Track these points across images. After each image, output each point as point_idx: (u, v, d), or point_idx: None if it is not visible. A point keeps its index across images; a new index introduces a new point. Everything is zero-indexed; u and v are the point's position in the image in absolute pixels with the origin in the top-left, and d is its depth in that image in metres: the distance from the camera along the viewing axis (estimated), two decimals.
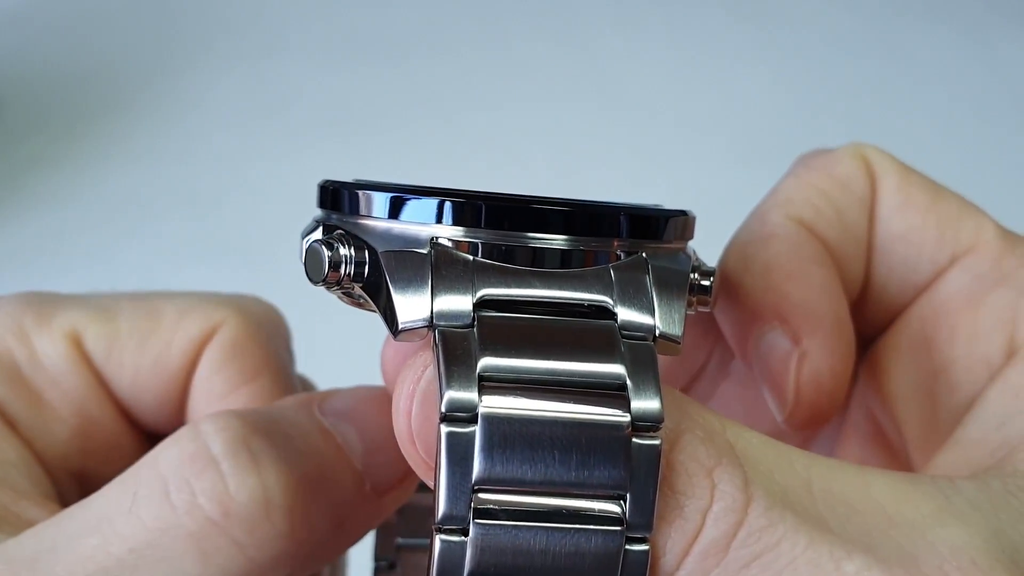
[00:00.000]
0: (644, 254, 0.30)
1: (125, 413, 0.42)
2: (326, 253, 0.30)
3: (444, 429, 0.28)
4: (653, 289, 0.30)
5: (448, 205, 0.30)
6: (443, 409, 0.28)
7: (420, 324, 0.29)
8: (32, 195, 0.97)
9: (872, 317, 0.41)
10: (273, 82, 1.06)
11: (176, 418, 0.41)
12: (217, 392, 0.40)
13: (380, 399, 0.33)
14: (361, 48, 1.11)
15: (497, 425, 0.28)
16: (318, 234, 0.31)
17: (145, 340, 0.40)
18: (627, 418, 0.28)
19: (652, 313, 0.29)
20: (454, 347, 0.28)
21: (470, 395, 0.28)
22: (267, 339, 0.42)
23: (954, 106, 1.12)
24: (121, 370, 0.40)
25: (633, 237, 0.30)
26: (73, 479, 0.40)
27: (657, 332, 0.29)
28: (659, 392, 0.29)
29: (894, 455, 0.40)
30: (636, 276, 0.30)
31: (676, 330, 0.29)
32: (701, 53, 1.15)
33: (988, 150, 1.07)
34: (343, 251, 0.30)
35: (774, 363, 0.38)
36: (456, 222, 0.30)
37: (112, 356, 0.40)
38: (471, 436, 0.28)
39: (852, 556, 0.29)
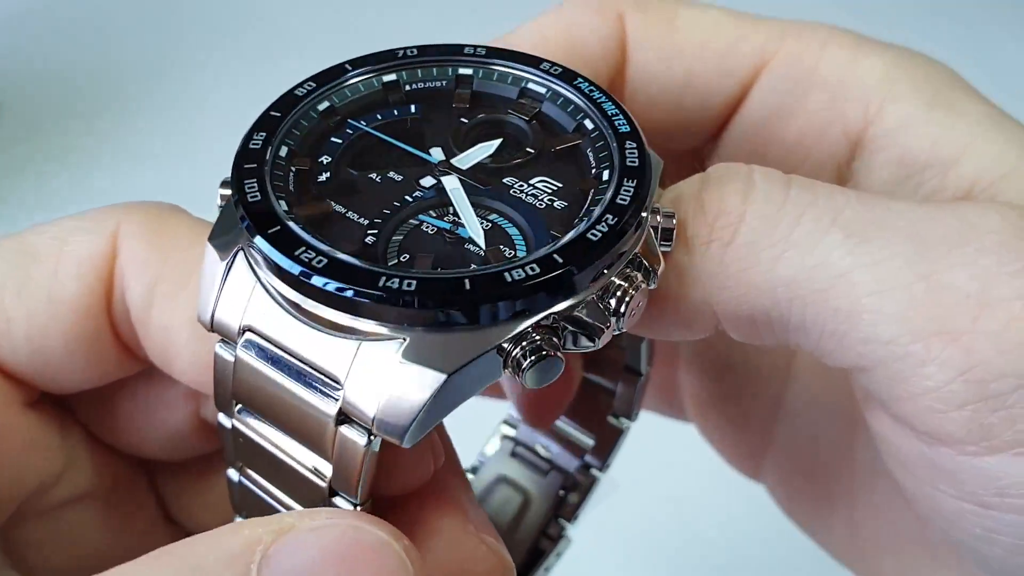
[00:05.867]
0: (406, 338, 0.29)
1: (25, 379, 0.35)
2: (220, 188, 0.33)
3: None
4: (384, 384, 0.29)
5: (254, 241, 0.31)
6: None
7: (207, 324, 0.32)
8: (32, 195, 0.97)
9: (690, 129, 0.41)
10: (273, 82, 1.06)
11: (114, 346, 0.36)
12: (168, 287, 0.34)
13: (346, 553, 0.27)
14: (361, 49, 1.11)
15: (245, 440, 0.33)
16: (226, 179, 0.34)
17: (25, 282, 0.34)
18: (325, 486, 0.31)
19: (376, 405, 0.29)
20: (219, 379, 0.32)
21: (227, 421, 0.33)
22: (177, 213, 0.36)
23: None
24: (8, 328, 0.34)
25: (397, 323, 0.29)
26: None
27: (374, 429, 0.29)
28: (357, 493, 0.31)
29: None
30: (375, 365, 0.29)
31: (398, 433, 0.29)
32: None
33: None
34: (222, 192, 0.33)
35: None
36: (256, 259, 0.31)
37: None
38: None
39: (897, 198, 0.32)
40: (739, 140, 0.40)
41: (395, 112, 0.36)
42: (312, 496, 0.32)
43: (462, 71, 0.37)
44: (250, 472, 0.34)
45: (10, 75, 1.06)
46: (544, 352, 0.29)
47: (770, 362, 0.47)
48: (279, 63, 1.08)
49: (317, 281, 0.29)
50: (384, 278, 0.28)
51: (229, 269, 0.31)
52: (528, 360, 0.28)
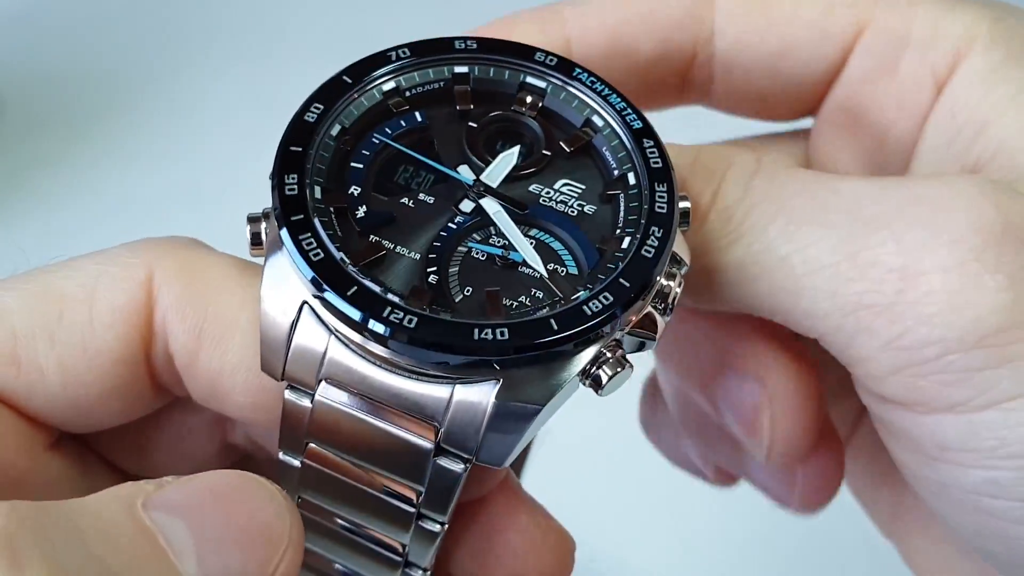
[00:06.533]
0: (499, 378, 0.31)
1: (49, 423, 0.34)
2: (249, 225, 0.33)
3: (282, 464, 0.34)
4: (485, 422, 0.31)
5: (326, 295, 0.30)
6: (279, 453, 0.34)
7: (275, 377, 0.32)
8: (33, 195, 0.97)
9: (790, 107, 0.42)
10: (273, 82, 1.06)
11: (150, 389, 0.35)
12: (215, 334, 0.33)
13: (225, 492, 0.28)
14: (361, 48, 1.11)
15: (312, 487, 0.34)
16: (259, 212, 0.34)
17: (57, 330, 0.33)
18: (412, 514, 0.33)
19: (477, 440, 0.31)
20: (290, 422, 0.33)
21: (295, 460, 0.33)
22: (205, 253, 0.35)
23: None
24: (41, 377, 0.33)
25: (480, 369, 0.30)
26: None
27: (474, 460, 0.32)
28: (446, 513, 0.33)
29: None
30: (474, 406, 0.31)
31: (498, 460, 0.31)
32: None
33: None
34: (261, 226, 0.33)
35: (745, 412, 0.43)
36: (327, 311, 0.31)
37: (22, 368, 0.32)
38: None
39: (853, 177, 0.35)
40: (839, 106, 0.41)
41: (402, 123, 0.36)
42: (397, 518, 0.33)
43: (458, 69, 0.37)
44: (315, 502, 0.35)
45: (12, 75, 1.06)
46: (619, 367, 0.31)
47: None
48: (280, 62, 1.08)
49: (417, 344, 0.30)
50: (477, 330, 0.30)
51: (295, 324, 0.31)
52: (607, 376, 0.31)
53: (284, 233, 0.32)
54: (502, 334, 0.30)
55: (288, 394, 0.32)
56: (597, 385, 0.31)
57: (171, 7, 1.15)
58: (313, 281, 0.31)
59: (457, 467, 0.32)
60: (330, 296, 0.30)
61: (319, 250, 0.31)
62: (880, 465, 0.47)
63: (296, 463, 0.34)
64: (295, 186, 0.33)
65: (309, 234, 0.31)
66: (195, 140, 1.01)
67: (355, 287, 0.30)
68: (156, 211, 0.94)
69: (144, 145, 1.02)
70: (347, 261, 0.31)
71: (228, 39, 1.12)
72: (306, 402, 0.32)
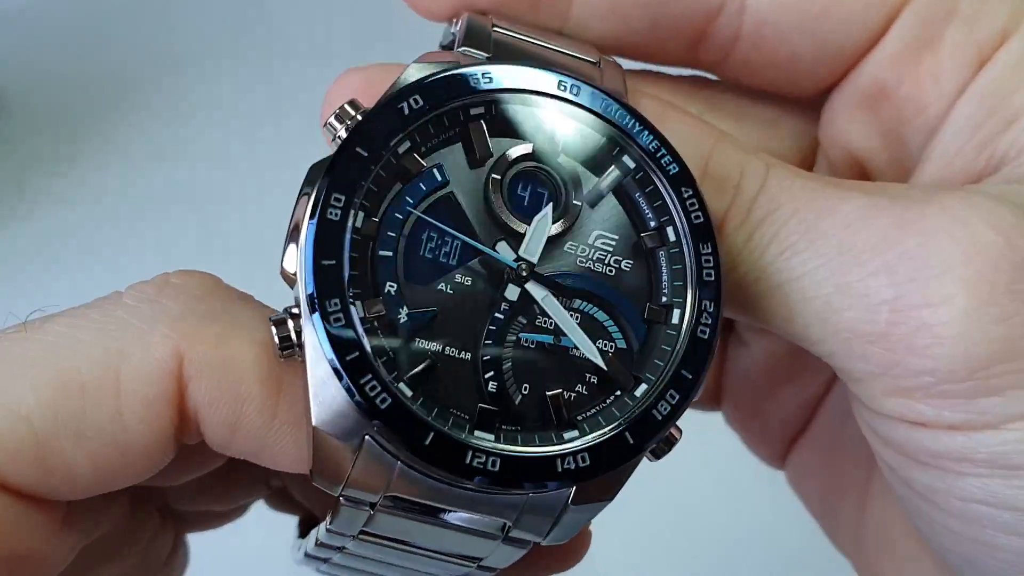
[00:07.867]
0: (572, 491, 0.31)
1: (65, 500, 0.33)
2: (275, 328, 0.31)
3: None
4: (558, 519, 0.31)
5: (392, 427, 0.29)
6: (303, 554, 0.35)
7: (333, 493, 0.31)
8: (34, 195, 0.97)
9: (813, 76, 0.40)
10: (273, 82, 1.06)
11: (172, 455, 0.34)
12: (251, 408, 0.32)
13: None
14: (362, 48, 1.11)
15: None
16: (281, 315, 0.31)
17: (82, 423, 0.31)
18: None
19: (545, 533, 0.32)
20: (344, 524, 0.32)
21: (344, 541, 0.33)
22: (237, 325, 0.33)
23: None
24: (69, 475, 0.31)
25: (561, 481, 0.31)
26: None
27: (542, 543, 0.32)
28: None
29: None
30: (548, 509, 0.31)
31: (562, 540, 0.32)
32: None
33: None
34: (290, 328, 0.31)
35: None
36: (395, 443, 0.30)
37: (48, 468, 0.31)
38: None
39: (851, 196, 0.34)
40: (868, 77, 0.39)
41: (422, 186, 0.33)
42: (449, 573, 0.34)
43: (473, 111, 0.33)
44: (361, 554, 0.35)
45: (14, 74, 1.06)
46: (674, 440, 0.32)
47: None
48: (282, 62, 1.08)
49: (504, 484, 0.30)
50: (560, 461, 0.30)
51: (357, 453, 0.30)
52: (666, 449, 0.32)
53: (344, 379, 0.29)
54: (583, 460, 0.30)
55: (344, 501, 0.31)
56: (654, 456, 0.32)
57: (173, 7, 1.15)
58: (382, 432, 0.29)
59: (522, 548, 0.32)
60: (405, 448, 0.29)
61: (385, 395, 0.29)
62: (840, 476, 0.46)
63: (344, 542, 0.34)
64: (340, 315, 0.30)
65: (370, 375, 0.29)
66: (197, 140, 1.01)
67: (432, 433, 0.29)
68: (157, 211, 0.94)
69: (146, 145, 1.02)
70: (407, 396, 0.30)
71: (230, 39, 1.12)
72: (364, 508, 0.31)
